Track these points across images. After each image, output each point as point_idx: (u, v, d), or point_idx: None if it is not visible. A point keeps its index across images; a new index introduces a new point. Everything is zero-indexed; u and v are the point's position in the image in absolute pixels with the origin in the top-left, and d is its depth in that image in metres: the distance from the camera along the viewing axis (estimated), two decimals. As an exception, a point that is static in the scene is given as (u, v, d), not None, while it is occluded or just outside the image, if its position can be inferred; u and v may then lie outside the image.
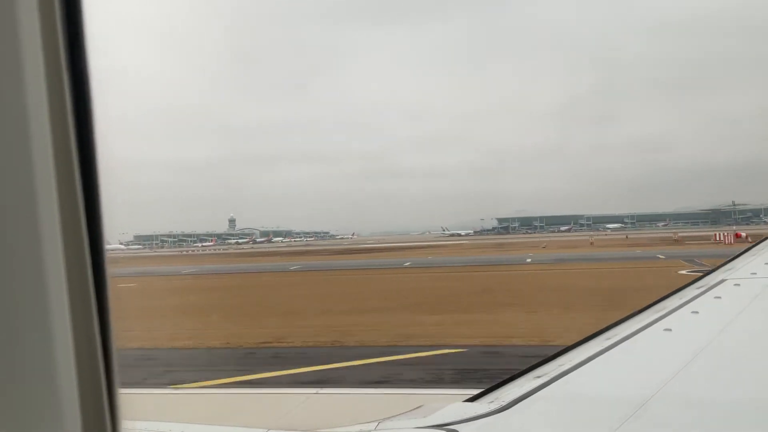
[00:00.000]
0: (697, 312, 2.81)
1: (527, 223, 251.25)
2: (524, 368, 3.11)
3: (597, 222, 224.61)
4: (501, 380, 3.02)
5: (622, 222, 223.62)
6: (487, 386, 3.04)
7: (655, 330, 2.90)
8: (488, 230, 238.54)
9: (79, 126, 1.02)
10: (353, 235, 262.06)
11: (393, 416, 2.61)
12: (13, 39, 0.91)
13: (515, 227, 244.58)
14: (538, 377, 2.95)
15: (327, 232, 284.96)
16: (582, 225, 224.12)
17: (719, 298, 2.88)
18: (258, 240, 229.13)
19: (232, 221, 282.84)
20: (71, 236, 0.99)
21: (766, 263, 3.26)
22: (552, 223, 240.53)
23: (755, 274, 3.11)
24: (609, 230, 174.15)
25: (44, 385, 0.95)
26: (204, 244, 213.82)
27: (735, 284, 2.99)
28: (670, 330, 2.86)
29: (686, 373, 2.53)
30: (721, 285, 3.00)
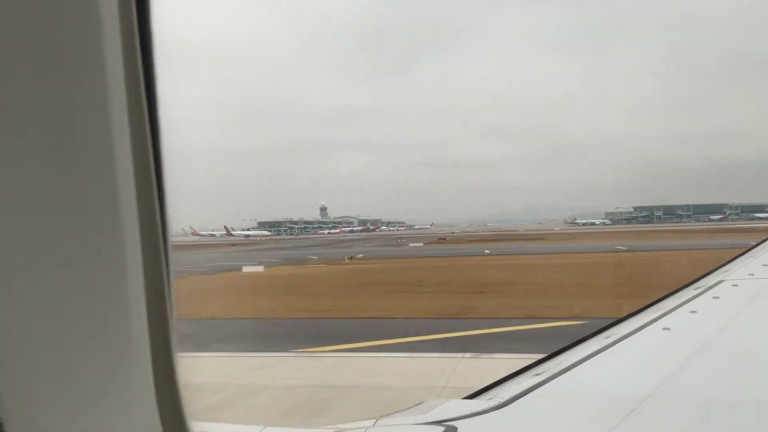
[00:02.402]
0: (695, 312, 2.83)
1: (670, 212, 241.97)
2: (523, 366, 3.15)
3: (744, 211, 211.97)
4: (500, 377, 3.06)
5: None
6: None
7: (654, 329, 2.92)
8: (626, 219, 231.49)
9: (152, 123, 1.04)
10: (432, 225, 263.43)
11: (392, 413, 2.64)
12: (96, 39, 0.92)
13: (659, 216, 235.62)
14: (538, 375, 2.97)
15: (402, 222, 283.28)
16: (727, 214, 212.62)
17: (717, 298, 2.89)
18: (356, 228, 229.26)
19: (323, 209, 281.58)
20: (148, 235, 1.01)
21: (764, 265, 3.28)
22: (698, 211, 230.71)
23: (753, 275, 3.13)
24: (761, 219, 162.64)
25: (124, 383, 0.97)
26: (331, 231, 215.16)
27: (733, 285, 3.00)
28: (669, 329, 2.88)
29: (684, 372, 2.56)
30: (720, 285, 3.02)
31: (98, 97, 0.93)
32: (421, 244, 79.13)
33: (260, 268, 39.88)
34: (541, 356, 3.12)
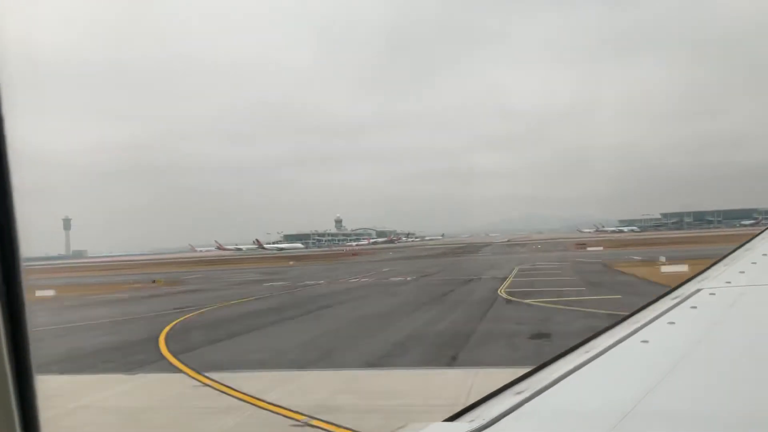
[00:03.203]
0: (673, 323, 2.79)
1: (699, 218, 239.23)
2: (504, 384, 3.12)
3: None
4: (481, 397, 3.03)
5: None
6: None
7: (633, 342, 2.88)
8: (654, 226, 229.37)
9: None
10: (443, 235, 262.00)
11: None
12: None
13: (689, 222, 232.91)
14: (519, 393, 2.95)
15: (412, 233, 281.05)
16: (759, 219, 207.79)
17: (695, 308, 2.85)
18: (379, 240, 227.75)
19: (338, 221, 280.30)
20: None
21: (740, 272, 3.22)
22: (728, 217, 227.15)
23: (729, 282, 3.08)
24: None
25: None
26: (359, 243, 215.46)
27: (710, 293, 2.96)
28: (648, 342, 2.85)
29: (665, 385, 2.52)
30: (697, 295, 2.97)
31: None
32: (601, 248, 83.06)
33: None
34: (522, 372, 3.10)
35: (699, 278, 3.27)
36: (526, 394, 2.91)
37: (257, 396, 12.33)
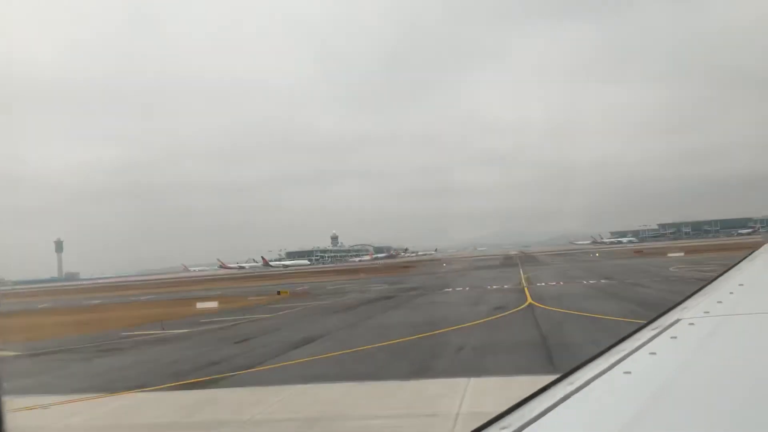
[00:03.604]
0: (654, 353, 2.78)
1: (697, 228, 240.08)
2: (488, 420, 3.10)
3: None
4: (467, 433, 3.02)
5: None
6: None
7: (615, 373, 2.88)
8: (653, 237, 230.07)
9: None
10: (436, 250, 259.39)
11: None
12: None
13: (687, 232, 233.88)
14: (504, 428, 2.94)
15: (406, 249, 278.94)
16: (757, 228, 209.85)
17: (675, 338, 2.85)
18: (380, 256, 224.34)
19: (334, 238, 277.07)
20: None
21: (718, 302, 3.23)
22: (725, 226, 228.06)
23: (708, 312, 3.08)
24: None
25: None
26: (361, 258, 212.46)
27: (690, 323, 2.96)
28: (630, 373, 2.84)
29: (649, 416, 2.52)
30: (677, 325, 2.97)
31: None
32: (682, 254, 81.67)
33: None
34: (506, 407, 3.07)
35: (678, 308, 3.27)
36: (511, 430, 2.89)
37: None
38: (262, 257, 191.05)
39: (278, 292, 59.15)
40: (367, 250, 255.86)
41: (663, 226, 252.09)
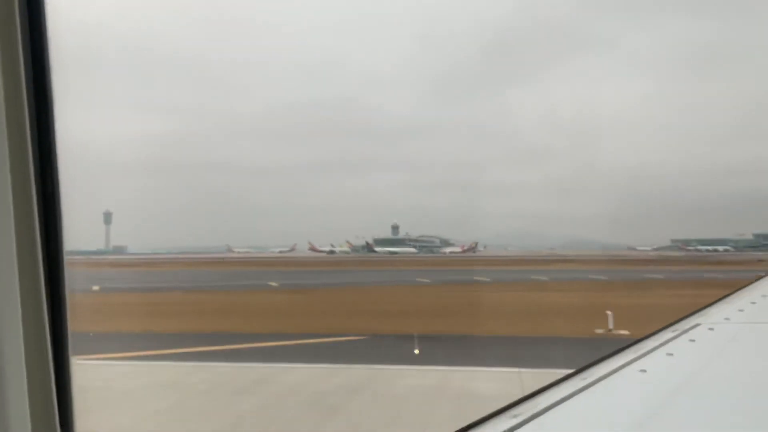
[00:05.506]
0: (671, 354, 2.81)
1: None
2: (500, 407, 3.13)
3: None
4: (477, 419, 3.04)
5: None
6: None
7: (631, 371, 2.90)
8: (751, 246, 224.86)
9: (39, 124, 0.99)
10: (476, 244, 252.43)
11: None
12: None
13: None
14: (515, 416, 2.96)
15: (476, 243, 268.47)
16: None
17: (694, 341, 2.87)
18: (455, 249, 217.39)
19: (395, 228, 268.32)
20: (26, 240, 0.96)
21: (739, 310, 3.25)
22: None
23: (728, 319, 3.11)
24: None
25: None
26: (452, 249, 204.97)
27: (709, 328, 2.98)
28: (645, 371, 2.87)
29: (661, 415, 2.54)
30: (696, 329, 3.00)
31: None
32: None
33: None
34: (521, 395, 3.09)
35: (700, 313, 3.30)
36: (522, 418, 2.92)
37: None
38: (366, 242, 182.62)
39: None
40: (432, 242, 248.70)
41: (759, 236, 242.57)
